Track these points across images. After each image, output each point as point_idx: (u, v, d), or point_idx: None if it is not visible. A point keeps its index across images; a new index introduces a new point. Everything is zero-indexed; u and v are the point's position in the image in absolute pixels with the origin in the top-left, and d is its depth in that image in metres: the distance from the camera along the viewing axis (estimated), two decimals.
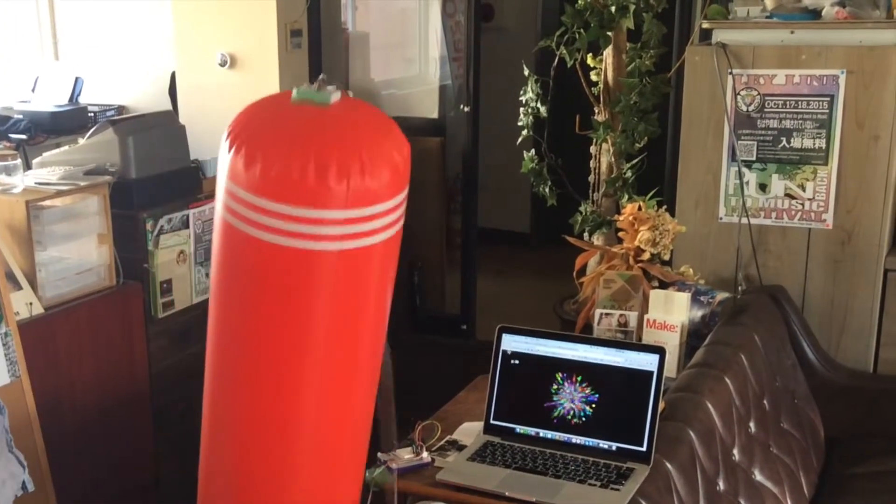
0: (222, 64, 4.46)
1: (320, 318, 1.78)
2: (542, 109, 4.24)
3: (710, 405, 2.34)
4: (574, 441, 2.20)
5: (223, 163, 1.78)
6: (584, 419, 2.21)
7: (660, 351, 2.20)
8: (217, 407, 1.95)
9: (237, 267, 1.82)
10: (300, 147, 1.68)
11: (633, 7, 3.85)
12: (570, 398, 2.23)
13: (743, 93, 3.15)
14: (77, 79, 5.02)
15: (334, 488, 1.97)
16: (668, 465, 2.09)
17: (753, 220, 3.19)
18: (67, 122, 4.74)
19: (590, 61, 4.16)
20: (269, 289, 1.78)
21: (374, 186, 1.71)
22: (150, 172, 3.14)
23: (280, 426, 1.86)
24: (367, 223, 1.74)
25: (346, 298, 1.79)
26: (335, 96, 1.76)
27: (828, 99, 3.06)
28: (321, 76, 1.76)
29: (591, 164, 4.29)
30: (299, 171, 1.66)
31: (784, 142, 3.13)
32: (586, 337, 2.43)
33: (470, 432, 2.31)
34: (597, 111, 4.19)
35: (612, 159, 4.15)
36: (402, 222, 1.87)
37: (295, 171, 1.66)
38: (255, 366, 1.84)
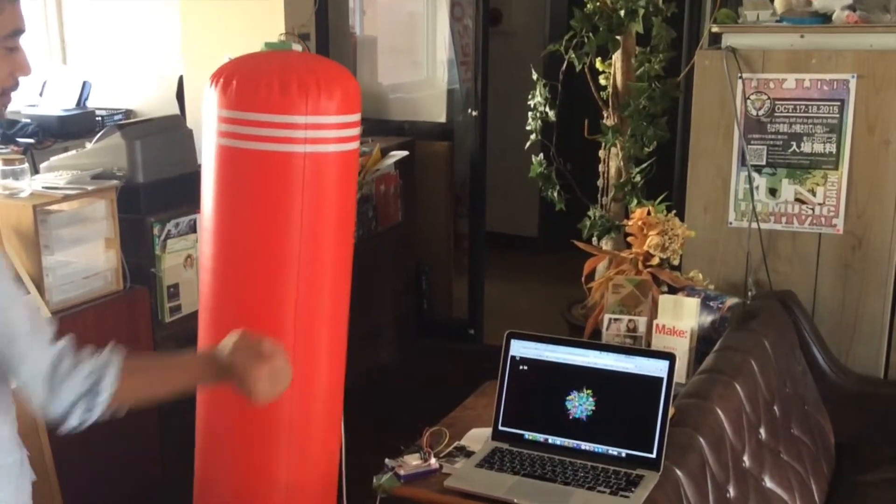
0: None
1: (295, 217, 2.16)
2: (551, 114, 4.23)
3: (720, 411, 2.32)
4: (583, 447, 2.19)
5: (208, 101, 2.19)
6: (593, 425, 2.20)
7: (670, 357, 2.18)
8: (214, 314, 2.29)
9: (228, 180, 2.20)
10: (267, 72, 2.12)
11: (642, 11, 3.85)
12: (580, 404, 2.21)
13: (753, 97, 3.13)
14: (84, 83, 5.02)
15: (315, 386, 2.31)
16: (678, 472, 2.08)
17: (763, 225, 3.17)
18: (75, 127, 4.75)
19: (598, 65, 4.15)
20: (253, 191, 2.18)
21: (329, 102, 2.14)
22: (157, 177, 3.13)
23: (270, 318, 2.21)
24: (325, 130, 2.15)
25: (313, 200, 2.16)
26: (297, 46, 2.25)
27: (838, 103, 3.04)
28: (283, 32, 2.29)
29: (600, 168, 4.28)
30: (266, 88, 2.09)
31: (794, 146, 3.12)
32: (596, 343, 2.42)
33: (478, 438, 2.30)
34: (605, 115, 4.18)
35: (621, 164, 4.14)
36: (356, 144, 2.27)
37: (263, 88, 2.09)
38: (245, 266, 2.22)
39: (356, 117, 2.24)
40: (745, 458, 2.39)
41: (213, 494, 2.38)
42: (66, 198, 2.87)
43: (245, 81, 2.12)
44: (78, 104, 4.97)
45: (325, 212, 2.19)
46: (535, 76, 4.32)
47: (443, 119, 5.21)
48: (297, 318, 2.20)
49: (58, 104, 4.93)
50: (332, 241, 2.24)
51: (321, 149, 2.15)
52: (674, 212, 3.02)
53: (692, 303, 2.68)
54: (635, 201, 4.00)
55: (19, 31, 1.52)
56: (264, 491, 2.30)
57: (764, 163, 3.16)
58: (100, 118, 4.96)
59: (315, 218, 2.17)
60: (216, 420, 2.36)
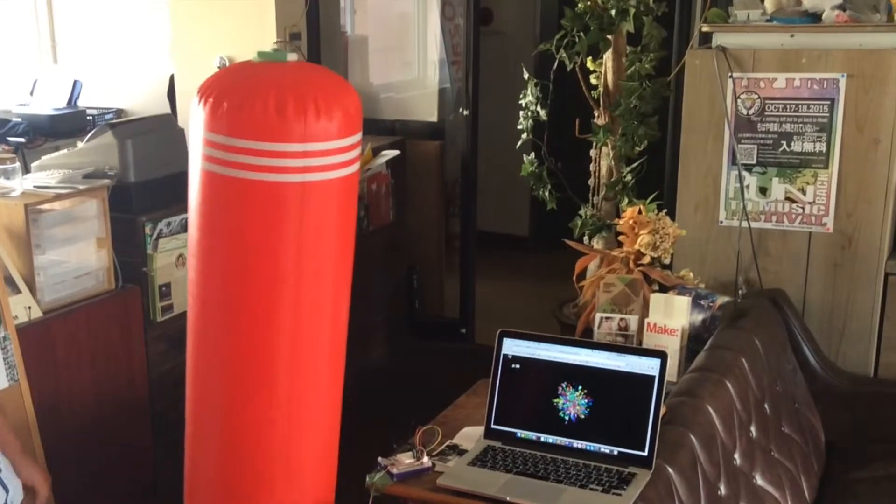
0: (221, 67, 4.45)
1: (289, 250, 1.98)
2: (542, 113, 4.24)
3: (711, 409, 2.33)
4: (575, 445, 2.19)
5: (195, 118, 1.98)
6: (585, 424, 2.21)
7: (661, 355, 2.19)
8: (201, 350, 2.14)
9: (214, 209, 2.02)
10: (262, 89, 1.91)
11: (632, 10, 3.85)
12: (571, 403, 2.22)
13: (743, 96, 3.14)
14: (76, 82, 5.01)
15: (310, 416, 2.17)
16: (670, 470, 2.09)
17: (754, 224, 3.19)
18: (66, 126, 4.74)
19: (589, 65, 4.15)
20: (243, 223, 1.99)
21: (328, 124, 1.94)
22: (148, 176, 3.13)
23: (261, 358, 2.07)
24: (323, 157, 1.96)
25: (310, 231, 2.00)
26: (291, 56, 2.02)
27: (828, 102, 3.06)
28: (278, 40, 1.98)
29: (591, 167, 4.29)
30: (261, 107, 1.89)
31: (784, 145, 3.13)
32: (587, 341, 2.42)
33: (470, 437, 2.30)
34: (597, 115, 4.18)
35: (612, 163, 4.15)
36: (357, 165, 2.08)
37: (258, 107, 1.89)
38: (235, 299, 2.05)
39: (357, 138, 2.05)
40: (736, 456, 2.40)
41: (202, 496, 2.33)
42: (58, 197, 2.87)
43: (236, 101, 1.92)
44: (69, 103, 4.95)
45: (323, 240, 2.04)
46: (526, 75, 4.33)
47: (434, 118, 5.21)
48: (294, 355, 2.08)
49: (49, 103, 4.92)
50: (332, 268, 2.09)
51: (319, 177, 1.98)
52: (665, 211, 3.03)
53: (683, 301, 2.69)
54: (626, 200, 4.01)
55: None
56: None
57: (754, 162, 3.17)
58: (91, 117, 4.95)
59: (312, 246, 2.02)
60: (204, 428, 2.23)
